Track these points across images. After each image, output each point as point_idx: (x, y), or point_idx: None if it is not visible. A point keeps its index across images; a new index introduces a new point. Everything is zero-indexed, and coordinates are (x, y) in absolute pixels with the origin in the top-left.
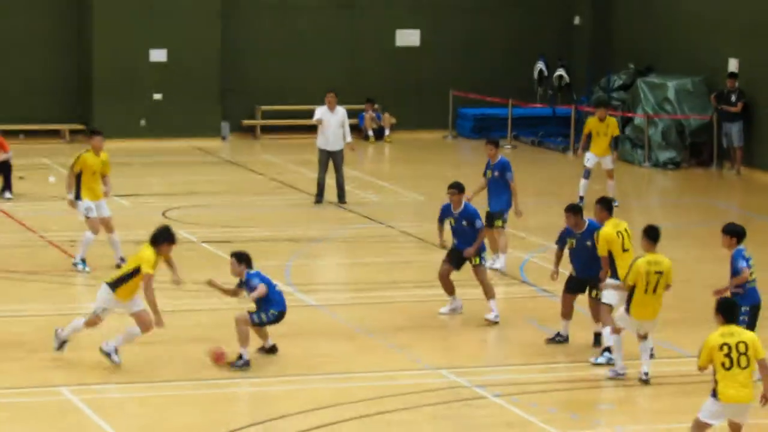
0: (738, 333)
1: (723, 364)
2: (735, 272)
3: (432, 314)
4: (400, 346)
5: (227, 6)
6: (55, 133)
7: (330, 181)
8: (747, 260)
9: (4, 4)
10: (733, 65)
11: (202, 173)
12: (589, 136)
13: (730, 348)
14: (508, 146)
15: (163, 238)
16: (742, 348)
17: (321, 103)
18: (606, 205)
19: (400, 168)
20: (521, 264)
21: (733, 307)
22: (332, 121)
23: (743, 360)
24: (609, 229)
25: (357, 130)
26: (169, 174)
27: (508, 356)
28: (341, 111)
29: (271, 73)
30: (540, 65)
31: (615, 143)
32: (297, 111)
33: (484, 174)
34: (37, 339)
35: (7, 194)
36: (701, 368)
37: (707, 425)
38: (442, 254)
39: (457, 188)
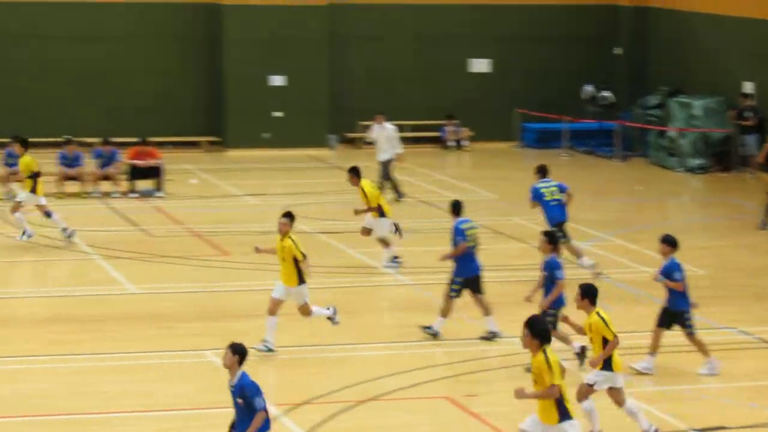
0: None
1: None
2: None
3: (499, 292)
4: (475, 317)
5: (334, 39)
6: (195, 144)
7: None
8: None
9: (156, 40)
10: (748, 87)
11: (314, 177)
12: None
13: None
14: (565, 155)
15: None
16: None
17: (413, 118)
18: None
19: (477, 172)
20: None
21: None
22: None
23: None
24: None
25: (439, 141)
26: (288, 177)
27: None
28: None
29: (371, 93)
30: (589, 88)
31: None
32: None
33: None
34: (182, 312)
35: (159, 193)
36: None
37: None
38: (513, 243)
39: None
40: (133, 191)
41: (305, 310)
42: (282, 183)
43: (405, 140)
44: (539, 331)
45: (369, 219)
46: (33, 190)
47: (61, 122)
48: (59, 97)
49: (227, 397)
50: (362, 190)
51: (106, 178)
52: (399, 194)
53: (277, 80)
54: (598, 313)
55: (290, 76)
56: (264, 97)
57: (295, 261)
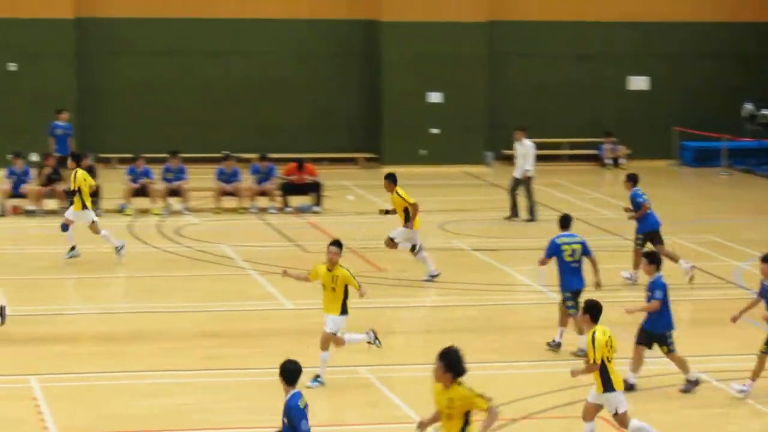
0: None
1: None
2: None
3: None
4: (629, 334)
5: (492, 56)
6: (352, 161)
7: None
8: None
9: (314, 56)
10: None
11: (471, 194)
12: None
13: None
14: (724, 173)
15: None
16: None
17: (571, 135)
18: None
19: None
20: (734, 271)
21: None
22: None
23: None
24: None
25: (596, 158)
26: (444, 194)
27: (726, 348)
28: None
29: (528, 110)
30: (749, 106)
31: None
32: (549, 143)
33: None
34: None
35: (317, 209)
36: None
37: None
38: (667, 263)
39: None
40: (287, 206)
41: (327, 341)
42: (438, 200)
43: (562, 158)
44: (453, 363)
45: (399, 229)
46: (84, 206)
47: (219, 138)
48: (218, 113)
49: (392, 412)
50: (396, 195)
51: (263, 193)
52: (514, 213)
53: (435, 97)
54: (594, 333)
55: (447, 92)
56: (421, 114)
57: (345, 291)
